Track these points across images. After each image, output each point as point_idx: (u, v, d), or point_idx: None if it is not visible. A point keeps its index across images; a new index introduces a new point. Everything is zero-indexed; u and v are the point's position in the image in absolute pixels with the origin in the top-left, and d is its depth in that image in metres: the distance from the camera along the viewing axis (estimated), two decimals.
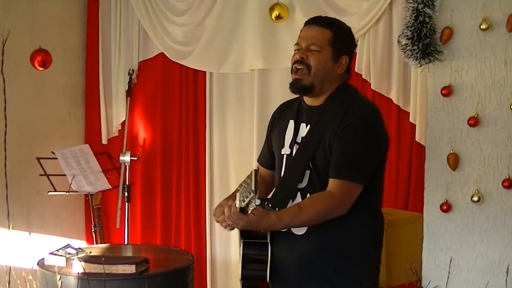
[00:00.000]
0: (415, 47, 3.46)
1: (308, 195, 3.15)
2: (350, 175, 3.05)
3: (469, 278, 3.51)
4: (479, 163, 3.47)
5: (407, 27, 3.49)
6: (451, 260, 3.55)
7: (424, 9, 3.42)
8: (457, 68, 3.49)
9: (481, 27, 3.40)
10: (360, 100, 3.27)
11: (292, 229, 3.15)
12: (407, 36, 3.48)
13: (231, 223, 2.99)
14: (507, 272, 3.42)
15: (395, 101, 4.68)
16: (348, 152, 3.07)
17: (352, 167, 3.06)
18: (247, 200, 2.81)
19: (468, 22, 3.45)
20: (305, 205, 3.06)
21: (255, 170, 2.88)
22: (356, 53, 3.38)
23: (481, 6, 3.41)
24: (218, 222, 3.18)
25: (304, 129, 3.23)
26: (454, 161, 3.50)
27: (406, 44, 3.49)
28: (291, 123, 3.29)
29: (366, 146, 3.10)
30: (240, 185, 3.06)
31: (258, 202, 2.81)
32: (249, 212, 2.86)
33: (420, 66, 3.53)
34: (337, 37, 3.20)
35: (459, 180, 3.51)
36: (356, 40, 4.68)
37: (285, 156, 3.27)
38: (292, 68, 3.22)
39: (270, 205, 3.14)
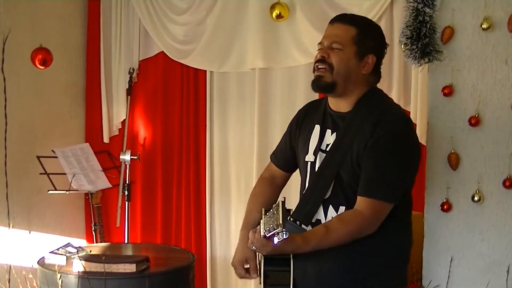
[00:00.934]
0: (414, 47, 3.46)
1: (330, 206, 3.02)
2: (381, 194, 2.89)
3: (470, 278, 3.51)
4: (480, 163, 3.47)
5: (406, 26, 3.49)
6: (451, 259, 3.55)
7: (423, 9, 3.42)
8: (458, 67, 3.49)
9: (483, 26, 3.40)
10: (392, 109, 3.10)
11: None
12: (406, 35, 3.48)
13: (256, 248, 2.86)
14: (508, 271, 3.42)
15: (396, 101, 4.66)
16: (380, 168, 2.90)
17: (384, 185, 2.90)
18: (273, 232, 2.64)
19: (469, 21, 3.45)
20: (332, 226, 2.90)
21: (282, 201, 2.75)
22: (385, 53, 3.18)
23: (483, 5, 3.41)
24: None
25: (329, 137, 3.07)
26: (455, 161, 3.50)
27: (406, 43, 3.49)
28: (317, 128, 3.13)
29: (400, 162, 2.94)
30: (254, 208, 3.01)
31: (286, 235, 2.62)
32: (275, 242, 2.67)
33: (420, 66, 3.53)
34: (362, 35, 3.02)
35: (460, 179, 3.51)
36: None
37: (309, 163, 3.11)
38: (314, 68, 3.07)
39: (292, 219, 3.04)
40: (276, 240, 2.63)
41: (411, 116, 4.58)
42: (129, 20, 5.88)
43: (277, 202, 2.73)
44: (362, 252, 2.98)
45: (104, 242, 5.53)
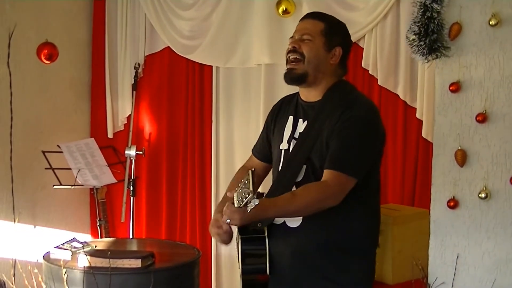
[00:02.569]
0: (422, 43, 3.46)
1: None
2: (344, 168, 3.05)
3: (476, 275, 3.50)
4: (487, 160, 3.46)
5: (414, 22, 3.49)
6: (458, 257, 3.54)
7: (432, 5, 3.41)
8: (466, 64, 3.48)
9: (490, 23, 3.39)
10: (358, 97, 3.28)
11: (286, 222, 3.18)
12: (414, 31, 3.48)
13: (230, 219, 2.95)
14: None
15: (402, 97, 4.67)
16: (345, 145, 3.08)
17: (348, 160, 3.07)
18: (245, 201, 2.79)
19: (477, 18, 3.44)
20: (298, 192, 3.08)
21: (252, 170, 2.91)
22: (352, 50, 3.39)
23: (490, 2, 3.40)
24: (213, 236, 3.24)
25: (301, 125, 3.25)
26: (461, 158, 3.49)
27: (413, 39, 3.48)
28: (291, 119, 3.32)
29: (363, 142, 3.12)
30: (233, 188, 3.07)
31: (257, 202, 2.79)
32: (248, 211, 2.84)
33: (427, 62, 3.53)
34: (330, 29, 3.24)
35: (466, 176, 3.50)
36: (363, 35, 4.72)
37: (283, 151, 3.28)
38: (286, 59, 3.26)
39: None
40: (249, 208, 2.79)
41: (417, 113, 4.59)
42: (135, 15, 5.87)
43: (247, 172, 2.89)
44: (331, 231, 3.16)
45: (109, 237, 5.53)
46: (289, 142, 3.27)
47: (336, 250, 3.16)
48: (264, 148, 3.50)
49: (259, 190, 3.45)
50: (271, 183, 3.34)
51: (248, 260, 3.20)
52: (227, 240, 3.20)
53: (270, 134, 3.44)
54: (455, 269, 3.54)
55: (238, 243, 3.24)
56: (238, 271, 3.27)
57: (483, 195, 3.46)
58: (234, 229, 3.20)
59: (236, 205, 2.90)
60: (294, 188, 3.16)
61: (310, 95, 3.28)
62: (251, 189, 2.79)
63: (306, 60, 3.19)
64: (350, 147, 3.08)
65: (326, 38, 3.22)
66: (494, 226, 3.47)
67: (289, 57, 3.24)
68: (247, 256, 3.19)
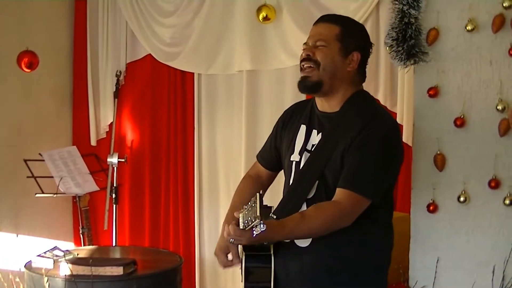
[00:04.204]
0: (400, 48, 3.48)
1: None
2: (361, 188, 2.86)
3: (456, 278, 3.53)
4: (466, 164, 3.49)
5: (392, 28, 3.52)
6: (438, 260, 3.57)
7: (409, 11, 3.44)
8: (444, 68, 3.51)
9: (467, 28, 3.43)
10: (379, 112, 3.09)
11: (296, 241, 3.00)
12: (392, 37, 3.51)
13: (234, 240, 2.82)
14: (493, 272, 3.44)
15: (382, 102, 4.67)
16: (362, 164, 2.89)
17: (364, 180, 2.88)
18: (251, 225, 2.63)
19: (454, 23, 3.47)
20: (309, 213, 2.89)
21: (260, 194, 2.70)
22: (371, 53, 3.16)
23: (467, 7, 3.43)
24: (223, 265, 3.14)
25: (315, 137, 3.06)
26: (441, 162, 3.52)
27: (391, 45, 3.51)
28: (303, 128, 3.12)
29: (382, 162, 2.92)
30: (237, 202, 3.02)
31: (263, 228, 2.60)
32: (254, 235, 2.66)
33: (406, 67, 3.55)
34: (346, 33, 3.02)
35: (446, 180, 3.53)
36: None
37: (294, 163, 3.09)
38: (300, 67, 3.06)
39: (274, 216, 2.98)
40: (254, 233, 2.62)
41: (398, 118, 4.60)
42: (116, 22, 5.87)
43: (255, 195, 2.70)
44: (343, 252, 2.96)
45: (92, 245, 5.52)
46: (300, 154, 3.07)
47: (346, 271, 2.98)
48: (271, 155, 3.32)
49: (266, 203, 3.14)
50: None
51: (252, 277, 3.02)
52: (231, 266, 3.12)
53: (278, 142, 3.26)
54: (436, 272, 3.56)
55: (242, 259, 3.05)
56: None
57: (462, 198, 3.49)
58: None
59: (241, 226, 2.75)
60: (304, 205, 2.99)
61: (326, 105, 3.07)
62: (258, 214, 2.60)
63: (321, 67, 2.98)
64: (368, 166, 2.89)
65: (342, 43, 3.00)
66: (474, 229, 3.50)
67: (303, 65, 3.03)
68: (251, 273, 3.02)
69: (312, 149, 3.05)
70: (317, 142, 3.04)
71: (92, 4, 5.91)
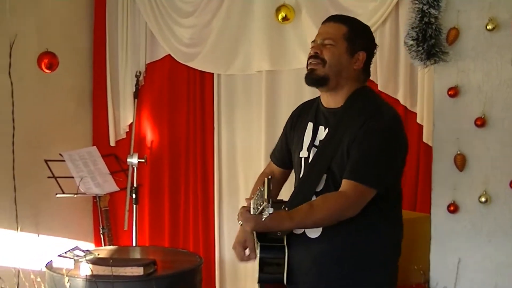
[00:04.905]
0: (420, 48, 3.47)
1: None
2: (365, 178, 2.97)
3: (477, 279, 3.51)
4: (487, 164, 3.47)
5: (412, 28, 3.50)
6: (459, 261, 3.55)
7: (429, 10, 3.42)
8: (464, 68, 3.49)
9: (487, 27, 3.40)
10: (382, 106, 3.19)
11: (306, 232, 3.11)
12: (412, 37, 3.49)
13: (242, 223, 2.99)
14: None
15: (402, 102, 4.66)
16: (367, 155, 3.00)
17: (368, 170, 2.99)
18: (260, 208, 2.74)
19: (475, 22, 3.45)
20: (316, 203, 3.00)
21: (268, 178, 2.79)
22: (375, 53, 3.27)
23: (487, 6, 3.41)
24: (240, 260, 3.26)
25: (322, 132, 3.18)
26: (461, 162, 3.50)
27: (411, 45, 3.49)
28: (310, 125, 3.24)
29: (386, 153, 3.03)
30: (253, 193, 3.06)
31: (271, 210, 2.70)
32: (263, 219, 2.78)
33: (426, 67, 3.53)
34: (353, 32, 3.14)
35: (466, 181, 3.51)
36: None
37: (303, 159, 3.22)
38: (307, 64, 3.18)
39: (286, 209, 3.07)
40: (264, 216, 2.73)
41: (418, 118, 4.58)
42: (135, 23, 5.89)
43: (264, 180, 2.78)
44: (352, 243, 3.08)
45: (112, 245, 5.53)
46: (309, 150, 3.19)
47: (356, 262, 3.08)
48: (283, 154, 3.46)
49: (280, 197, 3.41)
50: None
51: (266, 268, 3.14)
52: (248, 261, 3.23)
53: (289, 141, 3.38)
54: (457, 273, 3.54)
55: (256, 250, 3.18)
56: (255, 278, 3.19)
57: (483, 199, 3.46)
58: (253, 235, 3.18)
59: (251, 212, 2.90)
60: (314, 198, 3.09)
61: (331, 100, 3.19)
62: (266, 197, 2.70)
63: (327, 64, 3.10)
64: (371, 157, 3.00)
65: (349, 43, 3.12)
66: (495, 230, 3.47)
67: (310, 62, 3.16)
68: (265, 264, 3.14)
69: (319, 144, 3.16)
70: (323, 137, 3.16)
71: (111, 5, 5.93)
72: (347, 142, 3.04)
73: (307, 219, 2.98)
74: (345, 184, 3.00)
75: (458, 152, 3.50)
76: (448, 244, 3.57)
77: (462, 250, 3.54)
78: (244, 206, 3.11)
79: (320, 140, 3.17)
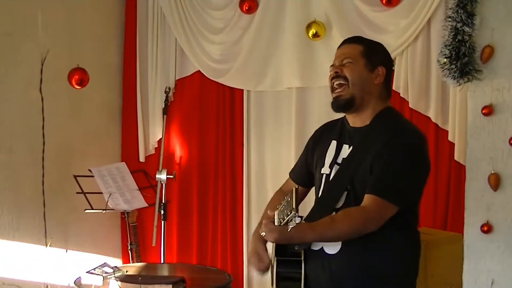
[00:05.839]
0: (453, 66, 3.43)
1: None
2: (386, 194, 2.96)
3: None
4: None
5: (445, 45, 3.46)
6: (492, 282, 3.49)
7: (463, 28, 3.39)
8: (498, 87, 3.44)
9: None
10: (406, 125, 3.21)
11: (325, 248, 3.10)
12: (445, 54, 3.45)
13: (265, 234, 2.97)
14: None
15: (433, 120, 4.63)
16: (390, 171, 2.99)
17: (391, 186, 2.97)
18: (287, 218, 2.72)
19: (509, 40, 3.41)
20: (337, 217, 3.00)
21: (296, 188, 2.77)
22: (394, 70, 3.24)
23: None
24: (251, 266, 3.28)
25: (346, 150, 3.17)
26: (495, 182, 3.45)
27: (444, 62, 3.45)
28: (333, 144, 3.23)
29: (409, 170, 3.01)
30: (271, 208, 3.05)
31: (298, 220, 2.69)
32: (288, 230, 2.77)
33: (459, 85, 3.49)
34: (369, 50, 3.18)
35: (500, 201, 3.46)
36: (394, 58, 4.66)
37: (324, 175, 3.20)
38: (331, 87, 3.19)
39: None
40: (290, 226, 2.71)
41: (449, 136, 4.54)
42: (165, 39, 5.91)
43: (291, 190, 2.75)
44: (371, 260, 3.05)
45: (140, 261, 5.53)
46: (331, 167, 3.18)
47: (374, 278, 3.06)
48: (302, 172, 3.46)
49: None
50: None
51: (283, 283, 3.13)
52: (265, 270, 3.21)
53: (310, 159, 3.38)
54: None
55: (273, 265, 3.16)
56: None
57: None
58: (270, 247, 3.18)
59: (276, 223, 2.89)
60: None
61: (357, 120, 3.19)
62: (294, 206, 2.68)
63: (350, 83, 3.11)
64: (394, 173, 2.99)
65: (367, 59, 3.15)
66: None
67: (333, 83, 3.16)
68: (282, 279, 3.13)
69: (342, 162, 3.16)
70: (347, 155, 3.16)
71: (141, 21, 5.96)
72: (371, 160, 3.03)
73: (328, 232, 2.97)
74: (367, 198, 2.99)
75: (492, 172, 3.45)
76: (481, 264, 3.53)
77: (495, 271, 3.49)
78: (267, 217, 3.08)
79: (343, 158, 3.16)
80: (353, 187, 3.07)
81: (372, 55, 3.16)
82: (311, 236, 2.98)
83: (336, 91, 3.15)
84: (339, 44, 4.93)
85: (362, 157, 3.07)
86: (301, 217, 3.01)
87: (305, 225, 2.94)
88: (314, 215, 3.14)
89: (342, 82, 3.13)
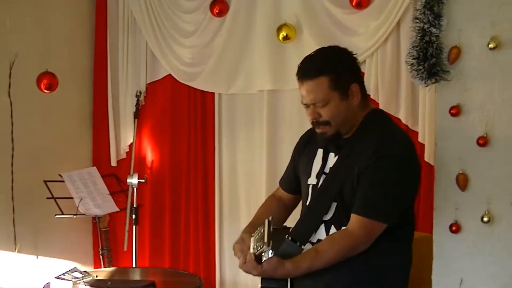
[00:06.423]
0: (421, 67, 3.42)
1: (332, 226, 3.02)
2: (374, 213, 2.91)
3: None
4: (489, 183, 3.42)
5: (413, 47, 3.46)
6: (461, 281, 3.50)
7: (430, 29, 3.39)
8: (466, 87, 3.44)
9: (489, 46, 3.36)
10: (393, 131, 3.13)
11: None
12: (413, 56, 3.45)
13: (246, 270, 2.91)
14: None
15: (403, 121, 4.64)
16: (376, 188, 2.92)
17: (378, 204, 2.93)
18: (260, 250, 2.71)
19: (476, 41, 3.41)
20: (322, 247, 2.94)
21: (269, 220, 2.75)
22: (360, 69, 3.19)
23: (489, 25, 3.37)
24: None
25: (332, 159, 3.10)
26: (463, 182, 3.45)
27: (412, 64, 3.46)
28: (320, 152, 3.16)
29: (397, 184, 2.95)
30: (261, 215, 3.06)
31: (271, 254, 2.69)
32: (263, 261, 2.76)
33: (426, 86, 3.50)
34: (336, 75, 2.99)
35: (469, 200, 3.46)
36: (364, 60, 4.68)
37: (310, 186, 3.15)
38: (312, 125, 3.11)
39: (290, 238, 3.01)
40: (263, 258, 2.71)
41: (419, 137, 4.56)
42: (136, 43, 5.89)
43: (264, 221, 2.74)
44: (361, 270, 2.99)
45: (112, 266, 5.49)
46: (318, 177, 3.11)
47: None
48: (291, 180, 3.39)
49: (286, 224, 3.34)
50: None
51: None
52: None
53: (296, 167, 3.32)
54: None
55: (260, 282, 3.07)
56: None
57: (486, 219, 3.41)
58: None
59: (251, 250, 2.86)
60: (322, 227, 3.02)
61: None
62: (266, 240, 2.67)
63: (333, 123, 3.00)
64: (380, 191, 2.92)
65: (338, 89, 2.98)
66: (498, 250, 3.42)
67: (317, 128, 3.06)
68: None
69: (329, 171, 3.08)
70: (333, 164, 3.08)
71: (112, 25, 5.94)
72: (358, 169, 2.95)
73: (314, 265, 2.92)
74: (353, 219, 2.93)
75: (461, 172, 3.45)
76: (451, 264, 3.53)
77: (465, 270, 3.49)
78: (242, 239, 3.07)
79: (330, 167, 3.09)
80: (341, 197, 3.00)
81: (340, 79, 2.99)
82: (296, 274, 2.92)
83: (319, 128, 3.06)
84: (310, 46, 4.98)
85: (349, 166, 2.99)
86: (286, 231, 3.01)
87: (287, 265, 2.88)
88: (300, 226, 3.08)
89: (324, 126, 3.03)
